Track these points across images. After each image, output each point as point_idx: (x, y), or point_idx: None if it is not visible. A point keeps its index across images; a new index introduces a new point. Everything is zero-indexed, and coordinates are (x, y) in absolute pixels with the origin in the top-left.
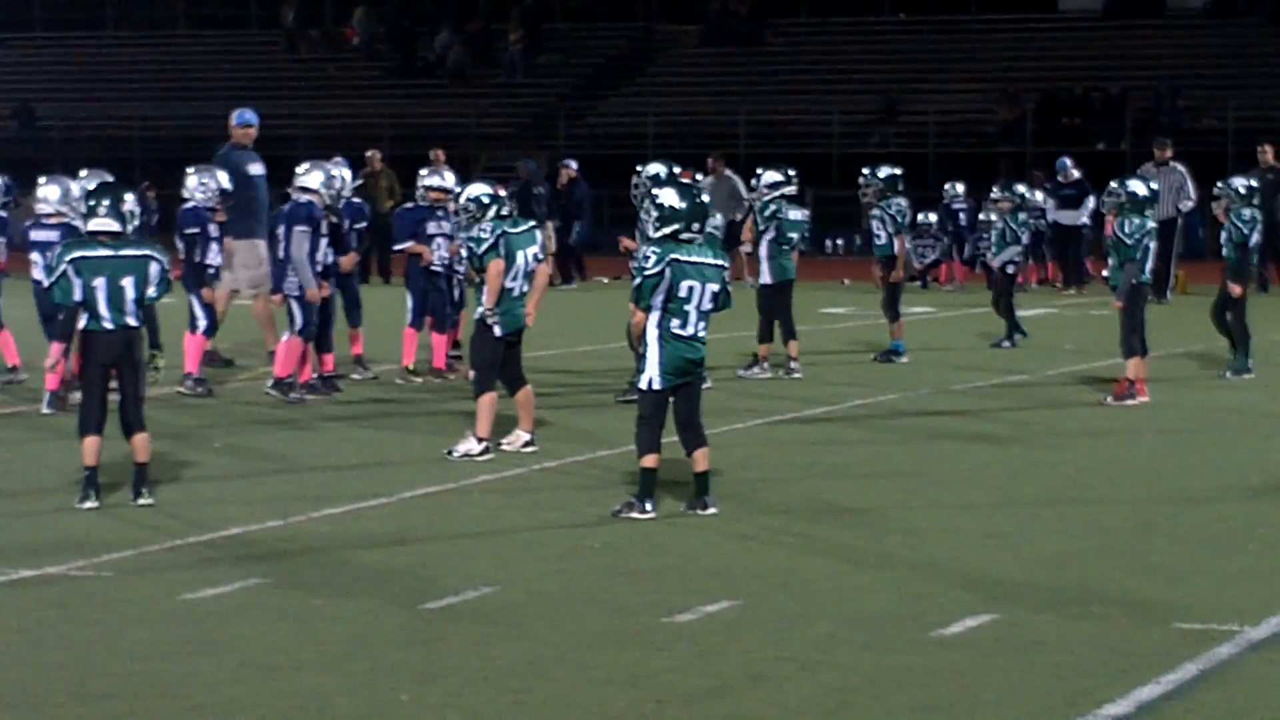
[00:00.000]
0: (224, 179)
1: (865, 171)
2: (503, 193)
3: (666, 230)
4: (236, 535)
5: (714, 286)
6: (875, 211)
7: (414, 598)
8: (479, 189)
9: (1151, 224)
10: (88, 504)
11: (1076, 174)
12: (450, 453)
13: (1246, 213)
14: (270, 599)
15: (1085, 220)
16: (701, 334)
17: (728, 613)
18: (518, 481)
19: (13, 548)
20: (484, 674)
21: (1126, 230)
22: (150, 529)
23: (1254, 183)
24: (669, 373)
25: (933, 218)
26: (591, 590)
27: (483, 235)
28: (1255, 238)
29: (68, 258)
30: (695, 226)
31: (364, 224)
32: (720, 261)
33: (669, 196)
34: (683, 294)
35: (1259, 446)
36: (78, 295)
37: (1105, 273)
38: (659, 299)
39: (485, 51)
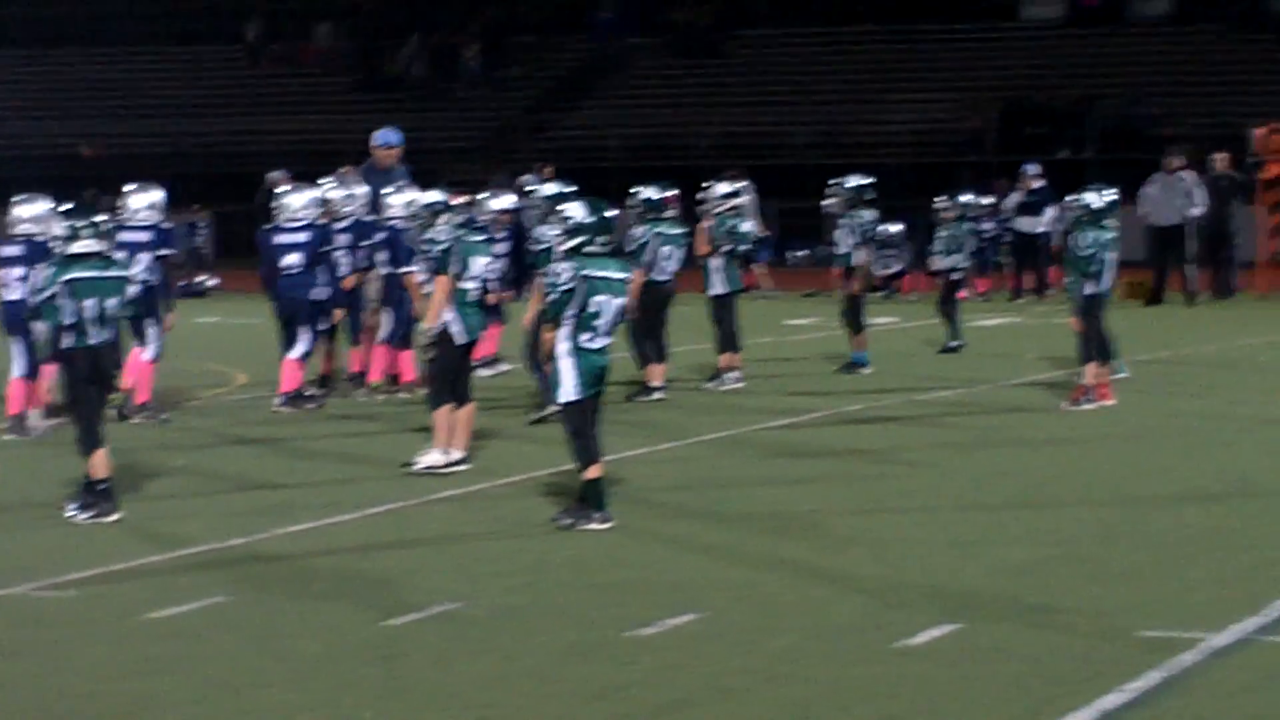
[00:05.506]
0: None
1: (833, 181)
2: (456, 202)
3: (572, 243)
4: (200, 552)
5: (620, 301)
6: (842, 221)
7: (378, 613)
8: (430, 195)
9: (1109, 236)
10: (114, 516)
11: (1039, 182)
12: (411, 466)
13: (1094, 233)
14: (234, 616)
15: (1043, 228)
16: (608, 345)
17: (692, 625)
18: (482, 496)
19: None
20: (449, 689)
21: (1083, 244)
22: (113, 547)
23: (1112, 198)
24: (586, 382)
25: (896, 228)
26: (556, 604)
27: (439, 238)
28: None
29: (62, 278)
30: (601, 240)
31: (369, 241)
32: (627, 275)
33: (575, 210)
34: (593, 309)
35: (1221, 453)
36: (68, 318)
37: (1067, 282)
38: (569, 313)
39: (448, 65)
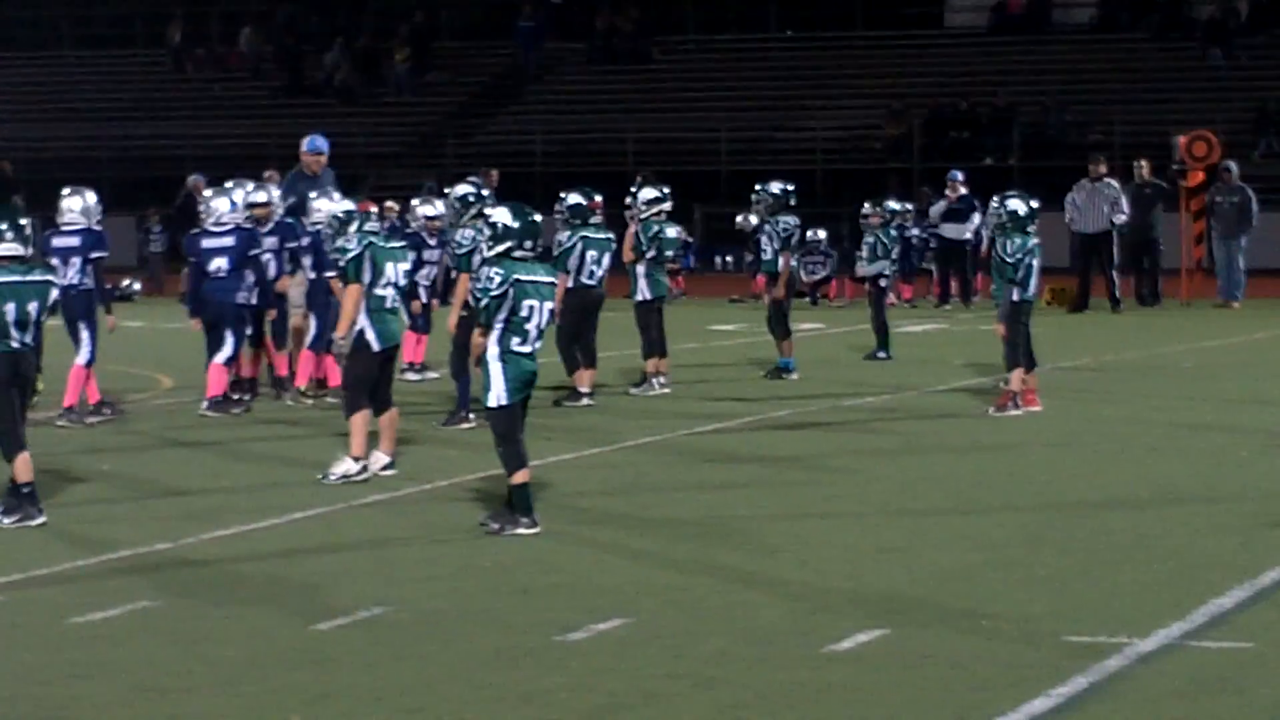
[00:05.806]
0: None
1: (757, 188)
2: (373, 209)
3: (500, 248)
4: (126, 557)
5: (550, 305)
6: (764, 228)
7: (305, 618)
8: (341, 204)
9: (1034, 242)
10: (39, 520)
11: (964, 189)
12: (325, 477)
13: (1019, 239)
14: (160, 621)
15: (969, 235)
16: (537, 348)
17: (619, 630)
18: (408, 501)
19: None
20: (376, 694)
21: (1008, 250)
22: (38, 551)
23: (1035, 204)
24: (515, 387)
25: (821, 234)
26: (483, 609)
27: (348, 246)
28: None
29: None
30: (528, 244)
31: (294, 244)
32: (554, 279)
33: (502, 215)
34: (524, 313)
35: (1145, 459)
36: None
37: (993, 288)
38: (500, 317)
39: (373, 70)
